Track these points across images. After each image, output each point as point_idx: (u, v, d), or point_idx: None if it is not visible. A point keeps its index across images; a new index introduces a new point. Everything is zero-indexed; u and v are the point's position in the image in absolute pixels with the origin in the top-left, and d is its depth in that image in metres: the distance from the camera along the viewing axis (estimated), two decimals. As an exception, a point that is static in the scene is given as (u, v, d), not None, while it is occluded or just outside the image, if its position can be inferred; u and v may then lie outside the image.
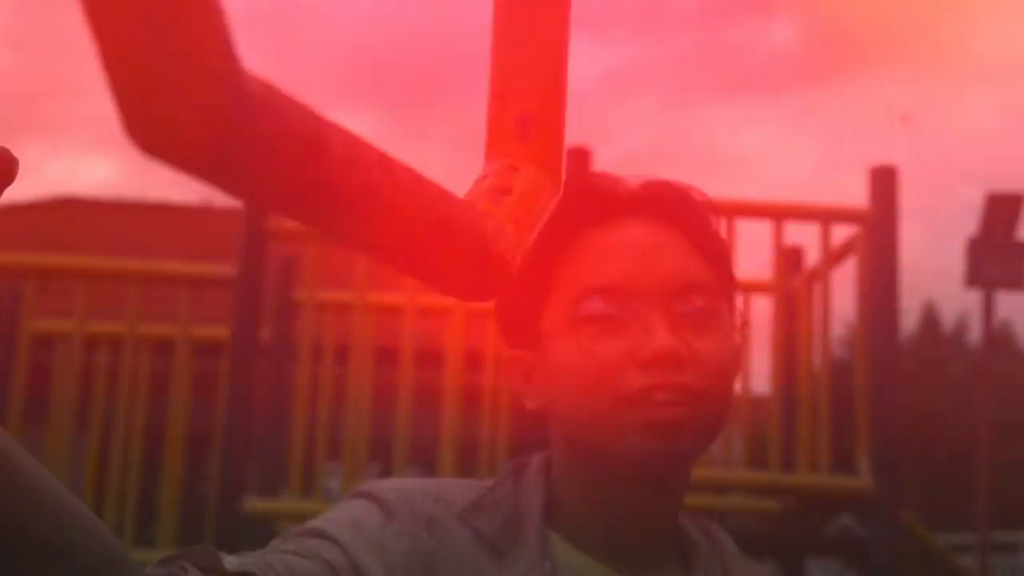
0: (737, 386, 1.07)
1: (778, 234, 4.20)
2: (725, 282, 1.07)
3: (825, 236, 4.21)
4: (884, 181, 4.12)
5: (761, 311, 4.48)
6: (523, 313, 1.07)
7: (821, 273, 4.28)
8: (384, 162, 0.51)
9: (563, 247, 1.05)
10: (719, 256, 1.07)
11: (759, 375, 4.67)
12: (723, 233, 1.12)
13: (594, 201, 1.05)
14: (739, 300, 1.10)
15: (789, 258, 4.54)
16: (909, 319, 23.15)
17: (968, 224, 6.51)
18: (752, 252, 4.44)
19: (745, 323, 1.10)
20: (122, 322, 4.77)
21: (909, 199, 4.18)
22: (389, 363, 4.40)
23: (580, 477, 1.05)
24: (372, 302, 4.53)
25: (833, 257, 4.25)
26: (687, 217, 1.05)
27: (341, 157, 0.48)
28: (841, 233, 4.31)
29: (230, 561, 0.89)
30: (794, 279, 4.58)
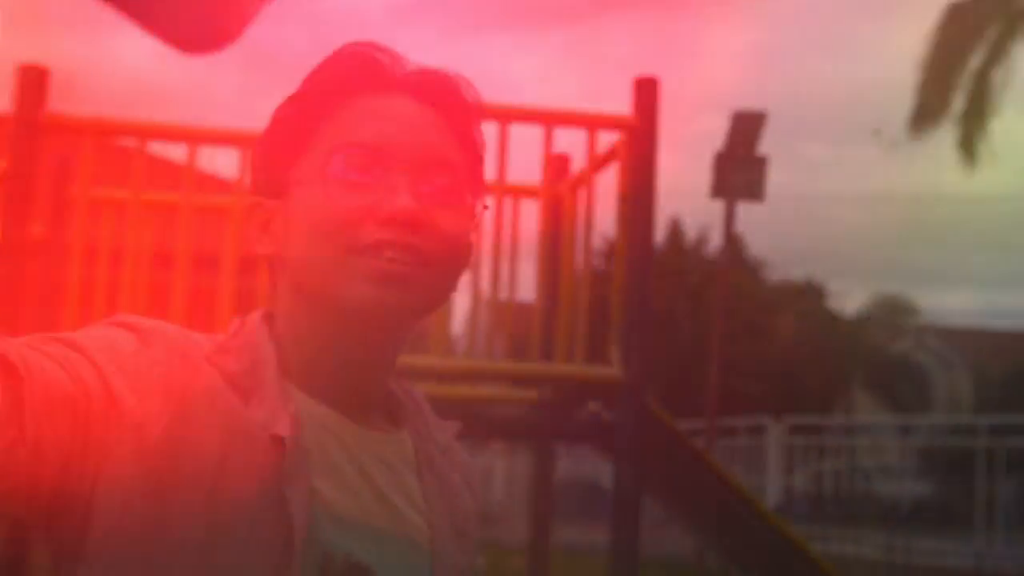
0: (466, 266, 1.06)
1: (547, 140, 4.16)
2: (473, 173, 1.06)
3: (591, 142, 4.19)
4: (646, 91, 4.13)
5: (530, 216, 4.44)
6: (276, 161, 1.04)
7: (586, 178, 4.25)
8: None
9: (328, 106, 1.03)
10: (473, 148, 1.07)
11: (526, 281, 4.64)
12: (483, 132, 1.11)
13: (367, 71, 1.04)
14: (485, 198, 1.09)
15: (556, 164, 4.51)
16: (656, 232, 23.87)
17: (711, 148, 6.68)
18: (522, 159, 4.37)
19: (484, 209, 1.08)
20: None
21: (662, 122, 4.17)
22: (165, 265, 4.12)
23: (306, 323, 1.03)
24: (148, 201, 4.22)
25: (597, 162, 4.23)
26: (452, 106, 1.05)
27: None
28: (607, 143, 4.28)
29: None
30: (561, 185, 4.55)
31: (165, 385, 0.94)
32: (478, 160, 1.07)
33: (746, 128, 6.24)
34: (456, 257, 1.03)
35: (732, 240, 7.04)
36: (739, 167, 6.22)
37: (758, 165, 6.32)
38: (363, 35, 1.06)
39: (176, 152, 5.97)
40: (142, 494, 0.92)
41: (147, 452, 0.92)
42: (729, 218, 6.65)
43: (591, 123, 4.21)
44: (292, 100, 1.05)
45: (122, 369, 0.93)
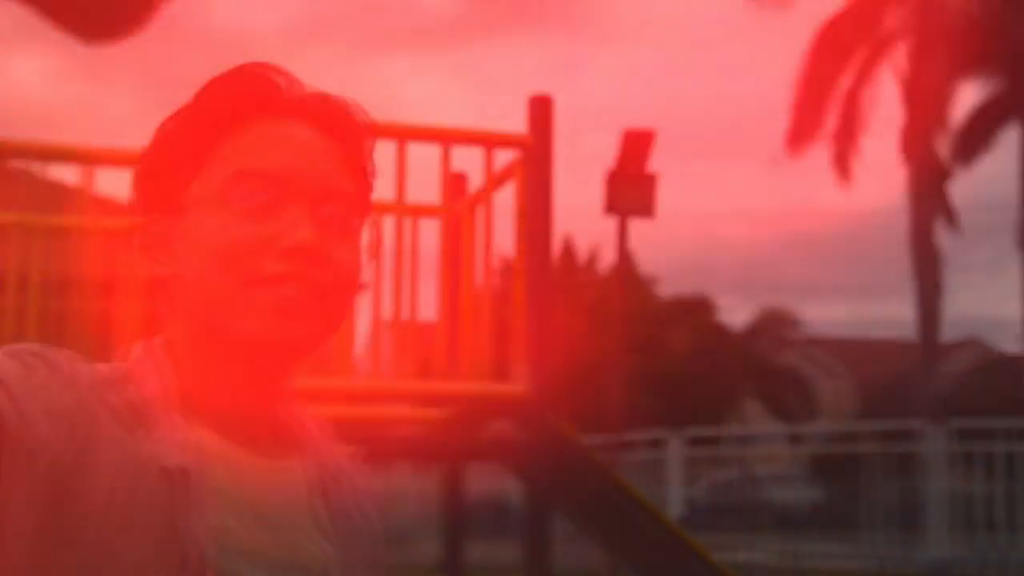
0: (358, 294, 1.06)
1: (445, 159, 4.08)
2: (364, 202, 1.06)
3: (488, 161, 4.13)
4: (541, 109, 4.11)
5: (429, 235, 4.37)
6: (168, 179, 1.01)
7: (484, 196, 4.20)
8: None
9: (225, 126, 1.00)
10: (364, 177, 1.06)
11: (427, 301, 4.56)
12: (376, 159, 1.10)
13: (265, 93, 1.01)
14: (374, 224, 1.10)
15: (454, 183, 4.45)
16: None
17: (602, 166, 6.70)
18: (420, 178, 4.30)
19: (377, 244, 1.09)
20: None
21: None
22: (63, 291, 3.94)
23: (198, 350, 1.00)
24: (42, 224, 4.03)
25: (495, 180, 4.18)
26: (345, 132, 1.04)
27: None
28: (504, 161, 4.23)
29: None
30: (459, 204, 4.49)
31: (51, 412, 0.90)
32: (368, 188, 1.07)
33: (636, 146, 6.27)
34: (350, 287, 1.03)
35: (625, 256, 7.06)
36: (630, 184, 6.26)
37: (648, 182, 6.37)
38: (257, 55, 1.03)
39: (67, 174, 5.74)
40: (37, 524, 0.88)
41: (39, 480, 0.88)
42: (622, 235, 6.67)
43: (488, 142, 4.16)
44: (183, 116, 1.02)
45: (34, 394, 0.89)
